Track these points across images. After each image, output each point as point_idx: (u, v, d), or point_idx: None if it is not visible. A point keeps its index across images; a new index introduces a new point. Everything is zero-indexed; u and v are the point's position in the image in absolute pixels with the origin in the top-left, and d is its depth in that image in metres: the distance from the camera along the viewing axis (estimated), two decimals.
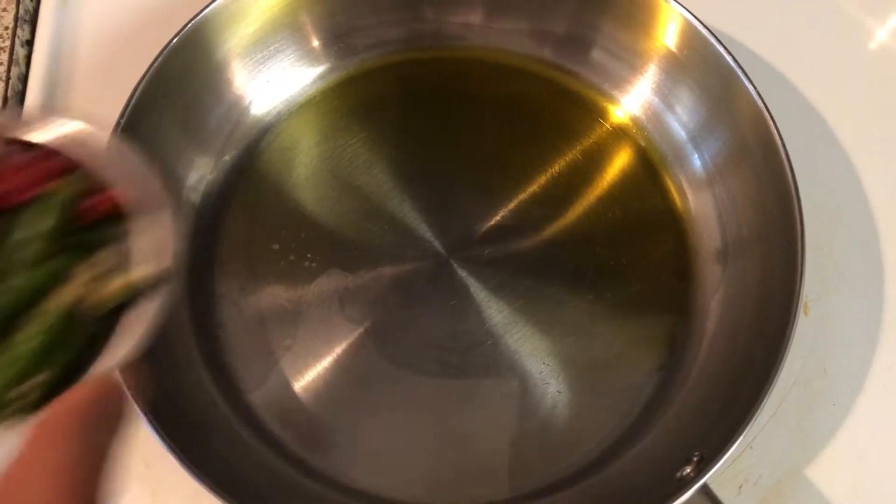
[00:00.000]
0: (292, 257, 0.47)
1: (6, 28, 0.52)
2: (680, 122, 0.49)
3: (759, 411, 0.38)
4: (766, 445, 0.45)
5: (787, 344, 0.39)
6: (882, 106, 0.53)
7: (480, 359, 0.45)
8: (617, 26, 0.49)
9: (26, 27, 0.54)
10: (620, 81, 0.51)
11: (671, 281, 0.47)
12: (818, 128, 0.52)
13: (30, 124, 0.28)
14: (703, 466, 0.38)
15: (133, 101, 0.43)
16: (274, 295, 0.47)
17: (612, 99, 0.51)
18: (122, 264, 0.27)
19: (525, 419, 0.44)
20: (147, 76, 0.44)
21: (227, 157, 0.49)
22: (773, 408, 0.46)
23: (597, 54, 0.50)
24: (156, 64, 0.44)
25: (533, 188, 0.49)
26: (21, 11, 0.53)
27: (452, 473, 0.43)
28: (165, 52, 0.44)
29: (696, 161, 0.49)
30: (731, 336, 0.44)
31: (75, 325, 0.26)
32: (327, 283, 0.47)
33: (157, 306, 0.26)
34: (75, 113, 0.28)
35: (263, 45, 0.49)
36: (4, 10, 0.53)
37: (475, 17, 0.51)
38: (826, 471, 0.44)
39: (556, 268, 0.47)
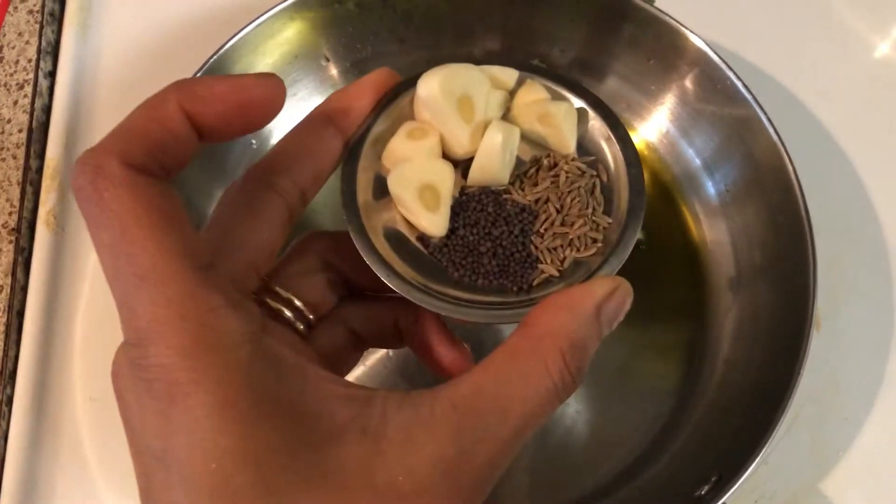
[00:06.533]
0: None
1: (29, 60, 0.54)
2: (695, 149, 0.50)
3: (775, 432, 0.39)
4: (780, 461, 0.46)
5: (802, 365, 0.40)
6: (888, 119, 0.54)
7: None
8: (632, 54, 0.49)
9: (48, 59, 0.55)
10: (637, 108, 0.51)
11: (684, 302, 0.48)
12: (826, 143, 0.53)
13: None
14: (721, 487, 0.39)
15: None
16: None
17: (628, 126, 0.52)
18: None
19: (544, 438, 0.45)
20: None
21: None
22: (787, 423, 0.46)
23: (612, 81, 0.51)
24: None
25: None
26: (43, 43, 0.54)
27: None
28: None
29: (711, 188, 0.49)
30: (745, 356, 0.45)
31: None
32: None
33: None
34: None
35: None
36: (27, 42, 0.54)
37: (494, 45, 0.52)
38: (841, 485, 0.45)
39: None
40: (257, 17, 0.47)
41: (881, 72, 0.55)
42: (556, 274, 0.29)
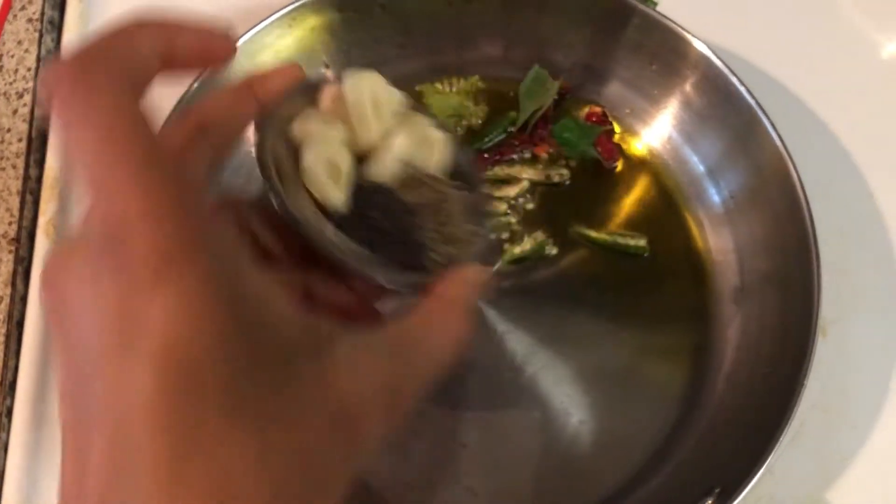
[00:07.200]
0: None
1: (29, 69, 0.53)
2: (699, 155, 0.50)
3: (778, 444, 0.38)
4: (786, 470, 0.45)
5: (807, 373, 0.40)
6: (895, 123, 0.53)
7: (501, 390, 0.46)
8: (634, 59, 0.49)
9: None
10: (640, 113, 0.51)
11: (688, 310, 0.47)
12: (831, 148, 0.52)
13: None
14: (726, 496, 0.38)
15: None
16: None
17: (631, 131, 0.51)
18: None
19: (548, 450, 0.44)
20: (166, 123, 0.44)
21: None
22: (793, 432, 0.46)
23: (615, 86, 0.51)
24: (175, 111, 0.45)
25: None
26: (43, 52, 0.54)
27: None
28: (185, 98, 0.45)
29: (715, 196, 0.49)
30: (749, 367, 0.44)
31: None
32: None
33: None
34: None
35: None
36: (27, 51, 0.54)
37: (495, 50, 0.51)
38: (847, 494, 0.45)
39: (576, 298, 0.48)
40: (256, 24, 0.47)
41: (887, 74, 0.55)
42: (442, 261, 0.33)
